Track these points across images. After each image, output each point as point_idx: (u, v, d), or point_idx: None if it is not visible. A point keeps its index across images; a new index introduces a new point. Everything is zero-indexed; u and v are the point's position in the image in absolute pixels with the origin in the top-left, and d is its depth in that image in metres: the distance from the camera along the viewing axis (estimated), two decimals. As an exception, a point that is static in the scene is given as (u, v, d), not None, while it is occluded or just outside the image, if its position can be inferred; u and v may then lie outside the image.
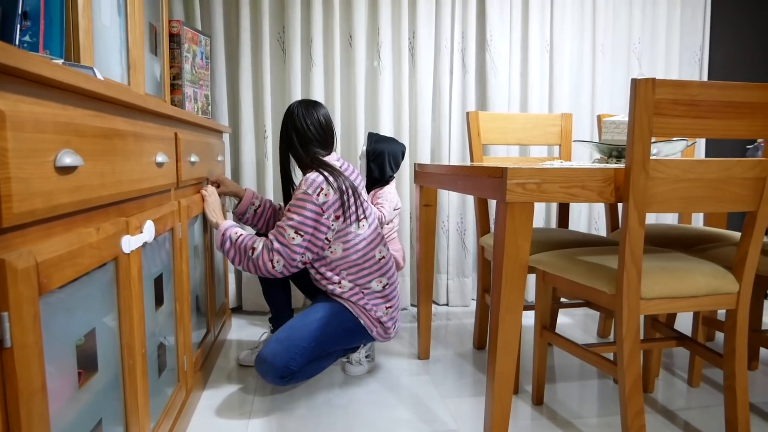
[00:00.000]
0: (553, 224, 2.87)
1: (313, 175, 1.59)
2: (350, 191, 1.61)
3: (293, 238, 1.55)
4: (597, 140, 2.76)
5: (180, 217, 1.37)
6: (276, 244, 1.55)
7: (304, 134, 1.68)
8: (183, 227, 1.40)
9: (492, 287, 1.30)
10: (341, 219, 1.60)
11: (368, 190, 2.25)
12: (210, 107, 2.16)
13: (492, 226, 2.42)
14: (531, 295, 2.88)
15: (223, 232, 1.59)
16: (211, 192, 1.67)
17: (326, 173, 1.59)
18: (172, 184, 1.33)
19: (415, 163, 2.04)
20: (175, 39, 1.82)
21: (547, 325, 1.62)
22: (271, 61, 2.59)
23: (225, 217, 1.72)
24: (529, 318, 2.47)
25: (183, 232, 1.40)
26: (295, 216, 1.56)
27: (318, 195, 1.56)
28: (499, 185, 1.22)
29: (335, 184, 1.57)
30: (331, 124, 1.73)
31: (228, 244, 1.58)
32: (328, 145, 1.72)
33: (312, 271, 1.67)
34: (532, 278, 2.81)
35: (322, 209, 1.56)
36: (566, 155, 2.26)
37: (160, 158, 1.16)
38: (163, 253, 1.26)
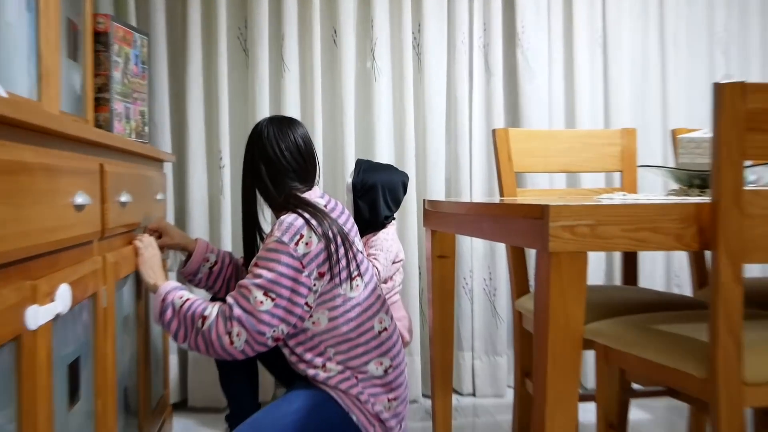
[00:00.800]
0: (617, 280, 2.86)
1: (289, 218, 1.57)
2: (339, 239, 1.61)
3: (261, 302, 1.52)
4: (671, 164, 2.78)
5: (105, 279, 1.36)
6: (237, 311, 1.51)
7: (277, 163, 1.69)
8: (109, 292, 1.39)
9: (534, 370, 1.28)
10: (327, 277, 1.59)
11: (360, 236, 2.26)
12: (147, 128, 2.19)
13: (532, 284, 2.41)
14: (590, 380, 2.84)
15: (163, 297, 1.58)
16: (147, 244, 1.68)
17: (307, 215, 1.58)
18: (96, 233, 1.32)
19: (424, 200, 2.04)
20: (101, 39, 1.86)
21: (614, 423, 1.59)
22: (230, 65, 2.65)
23: (167, 278, 1.72)
24: (589, 412, 2.43)
25: (109, 299, 1.39)
26: (264, 272, 1.53)
27: (297, 244, 1.54)
28: (539, 229, 1.22)
29: (319, 230, 1.57)
30: (312, 148, 1.74)
31: (169, 312, 1.56)
32: (309, 178, 1.73)
33: (286, 351, 1.65)
34: (590, 356, 2.78)
35: (302, 263, 1.54)
36: (630, 185, 2.27)
37: (79, 199, 1.16)
38: (82, 328, 1.24)
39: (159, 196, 2.03)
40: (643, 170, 2.66)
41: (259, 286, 1.53)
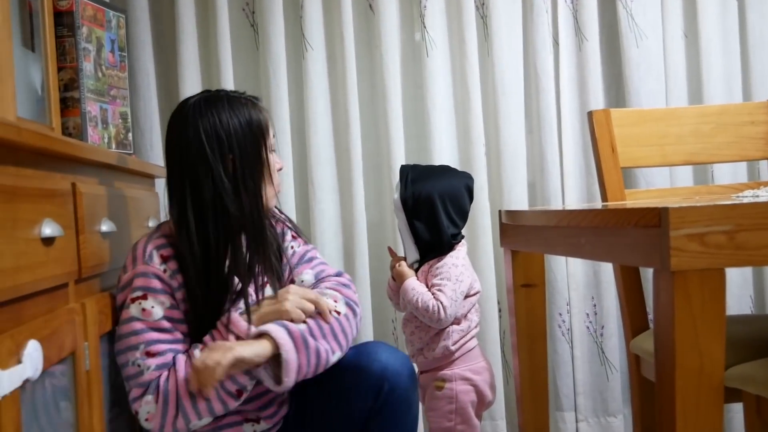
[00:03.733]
0: (769, 307, 2.82)
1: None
2: None
3: None
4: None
5: (86, 333, 1.38)
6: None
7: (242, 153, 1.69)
8: (92, 350, 1.40)
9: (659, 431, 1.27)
10: None
11: (420, 263, 2.27)
12: (131, 135, 2.23)
13: (652, 318, 2.39)
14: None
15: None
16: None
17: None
18: (71, 273, 1.34)
19: (500, 211, 2.04)
20: (64, 21, 1.90)
21: (775, 502, 1.57)
22: (235, 46, 2.70)
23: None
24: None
25: (92, 358, 1.40)
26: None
27: None
28: (656, 241, 1.21)
29: None
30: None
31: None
32: None
33: None
34: (738, 409, 2.72)
35: None
36: (783, 177, 2.25)
37: (48, 229, 1.18)
38: (59, 398, 1.25)
39: (151, 223, 2.04)
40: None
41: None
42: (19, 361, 1.06)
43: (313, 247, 1.90)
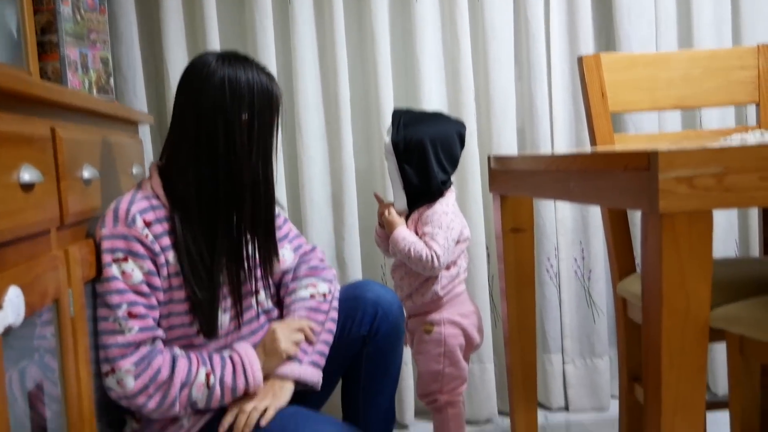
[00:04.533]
0: (755, 250, 2.84)
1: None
2: None
3: None
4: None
5: (70, 280, 1.38)
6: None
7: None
8: (76, 297, 1.40)
9: (645, 372, 1.28)
10: None
11: (409, 210, 2.26)
12: (113, 81, 2.21)
13: (639, 261, 2.41)
14: (721, 382, 2.84)
15: None
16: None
17: None
18: (53, 220, 1.33)
19: (488, 157, 2.04)
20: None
21: (758, 438, 1.60)
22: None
23: None
24: (720, 425, 2.41)
25: (77, 305, 1.40)
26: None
27: None
28: (645, 183, 1.21)
29: None
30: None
31: None
32: None
33: None
34: (720, 351, 2.77)
35: None
36: (771, 121, 2.24)
37: (27, 175, 1.17)
38: (43, 345, 1.25)
39: (135, 170, 2.05)
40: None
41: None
42: (0, 307, 1.05)
43: (285, 218, 1.97)
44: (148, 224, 1.61)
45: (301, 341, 1.76)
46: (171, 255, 1.64)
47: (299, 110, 2.65)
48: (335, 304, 1.87)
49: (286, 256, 1.90)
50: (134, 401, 1.57)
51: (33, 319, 1.23)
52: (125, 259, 1.58)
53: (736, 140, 1.54)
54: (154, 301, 1.61)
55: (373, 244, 2.48)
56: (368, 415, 1.87)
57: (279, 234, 1.89)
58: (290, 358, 1.74)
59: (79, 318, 1.41)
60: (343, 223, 2.67)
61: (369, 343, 1.88)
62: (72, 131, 1.49)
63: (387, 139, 2.25)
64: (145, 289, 1.59)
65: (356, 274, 2.69)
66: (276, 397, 1.69)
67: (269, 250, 1.80)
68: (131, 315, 1.57)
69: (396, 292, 2.30)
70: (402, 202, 2.25)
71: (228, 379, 1.65)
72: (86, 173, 1.51)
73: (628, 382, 2.11)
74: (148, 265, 1.60)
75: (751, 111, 2.70)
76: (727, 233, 2.82)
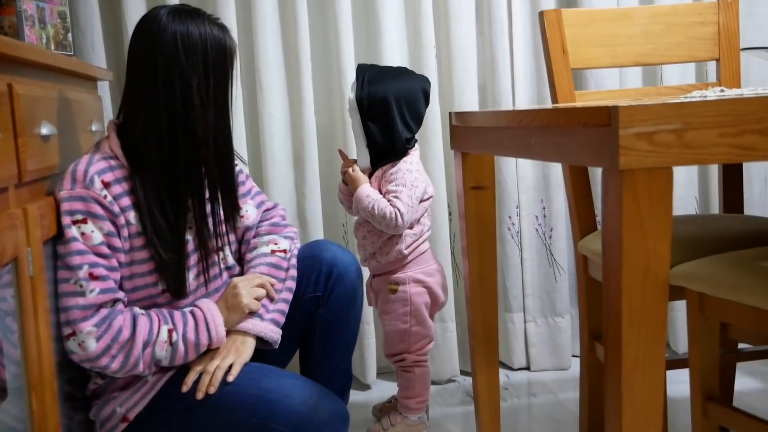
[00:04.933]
0: (714, 207, 2.86)
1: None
2: None
3: None
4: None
5: (29, 239, 1.36)
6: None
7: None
8: (35, 256, 1.39)
9: (606, 330, 1.27)
10: None
11: (373, 168, 2.25)
12: (71, 36, 2.17)
13: (600, 219, 2.43)
14: (681, 339, 2.87)
15: None
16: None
17: None
18: (10, 177, 1.31)
19: (450, 113, 2.02)
20: None
21: (715, 394, 1.60)
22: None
23: None
24: (680, 384, 2.45)
25: (36, 264, 1.39)
26: None
27: None
28: (605, 139, 1.20)
29: None
30: None
31: None
32: None
33: None
34: (680, 308, 2.80)
35: None
36: (731, 78, 2.25)
37: (-19, 132, 1.15)
38: (2, 307, 1.24)
39: (94, 127, 2.03)
40: (748, 55, 2.62)
41: None
42: (-44, 268, 1.04)
43: (247, 174, 1.98)
44: (106, 185, 1.58)
45: (262, 297, 1.76)
46: (132, 215, 1.62)
47: (259, 67, 2.62)
48: (294, 261, 1.87)
49: (250, 212, 1.89)
50: (97, 363, 1.56)
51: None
52: (84, 221, 1.56)
53: (696, 97, 1.54)
54: (114, 262, 1.59)
55: (335, 202, 2.48)
56: (323, 376, 1.87)
57: (242, 190, 1.88)
58: (251, 313, 1.74)
59: (38, 278, 1.40)
60: (304, 180, 2.65)
61: (323, 304, 1.88)
62: (29, 87, 1.46)
63: (351, 95, 2.23)
64: (105, 250, 1.57)
65: (317, 232, 2.67)
66: (239, 353, 1.70)
67: (232, 205, 1.80)
68: (92, 276, 1.55)
69: (359, 251, 2.30)
70: (366, 160, 2.23)
71: (191, 335, 1.64)
72: (44, 130, 1.49)
73: (589, 340, 2.12)
74: (108, 226, 1.58)
75: (711, 67, 2.73)
76: (687, 190, 2.86)
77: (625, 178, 1.19)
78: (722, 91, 1.74)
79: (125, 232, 1.61)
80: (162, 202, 1.65)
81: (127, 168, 1.63)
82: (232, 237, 1.84)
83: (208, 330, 1.65)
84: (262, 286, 1.76)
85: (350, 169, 2.24)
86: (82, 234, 1.55)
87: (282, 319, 1.78)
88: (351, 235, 2.39)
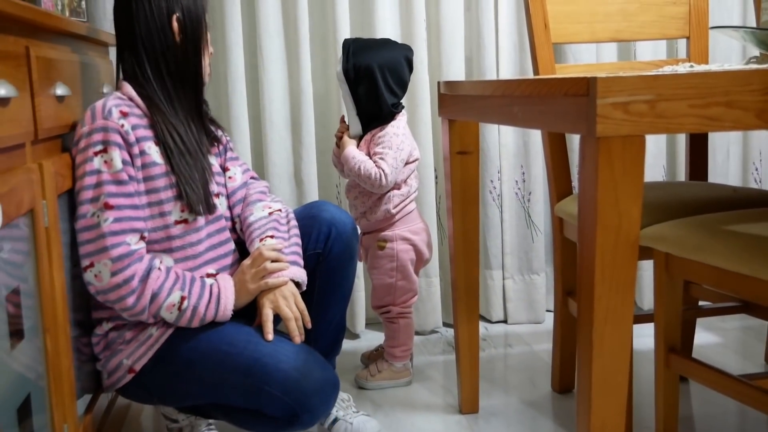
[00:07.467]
0: (681, 175, 2.88)
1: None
2: None
3: None
4: (753, 26, 2.74)
5: (44, 192, 1.37)
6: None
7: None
8: (50, 208, 1.40)
9: (579, 285, 1.30)
10: None
11: (363, 132, 2.26)
12: (84, 3, 2.16)
13: (576, 184, 2.44)
14: (647, 298, 2.91)
15: None
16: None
17: None
18: (28, 134, 1.32)
19: (438, 82, 2.03)
20: None
21: (677, 347, 1.62)
22: None
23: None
24: (645, 337, 2.47)
25: (51, 216, 1.40)
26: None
27: None
28: (584, 108, 1.21)
29: None
30: None
31: None
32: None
33: None
34: (647, 267, 2.83)
35: None
36: (700, 54, 2.26)
37: (2, 90, 1.16)
38: (18, 253, 1.25)
39: (105, 89, 2.02)
40: (717, 33, 2.62)
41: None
42: (-21, 215, 1.05)
43: (228, 139, 1.99)
44: (124, 114, 1.60)
45: (281, 258, 1.75)
46: (146, 146, 1.63)
47: (260, 34, 2.61)
48: (293, 216, 1.88)
49: (237, 175, 1.90)
50: (108, 296, 1.57)
51: (11, 230, 1.23)
52: (105, 150, 1.57)
53: (667, 72, 1.56)
54: (131, 189, 1.60)
55: (330, 164, 2.49)
56: (319, 328, 1.87)
57: (230, 155, 1.91)
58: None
59: (53, 228, 1.41)
60: (301, 143, 2.66)
61: (323, 260, 1.88)
62: (45, 50, 1.46)
63: (339, 67, 2.25)
64: (124, 176, 1.58)
65: (312, 192, 2.68)
66: (293, 294, 1.73)
67: (210, 138, 1.85)
68: (107, 206, 1.56)
69: (351, 210, 2.32)
70: (357, 127, 2.26)
71: (201, 308, 1.64)
72: (59, 91, 1.49)
73: (563, 296, 2.14)
74: (124, 155, 1.59)
75: (682, 45, 2.71)
76: (656, 158, 2.87)
77: (601, 144, 1.20)
78: (692, 66, 1.75)
79: (139, 162, 1.62)
80: (178, 132, 1.69)
81: (141, 107, 1.66)
82: (222, 189, 1.86)
83: (217, 308, 1.66)
84: (261, 256, 1.73)
85: (345, 135, 2.27)
86: (104, 162, 1.56)
87: (300, 261, 1.79)
88: (344, 195, 2.40)
